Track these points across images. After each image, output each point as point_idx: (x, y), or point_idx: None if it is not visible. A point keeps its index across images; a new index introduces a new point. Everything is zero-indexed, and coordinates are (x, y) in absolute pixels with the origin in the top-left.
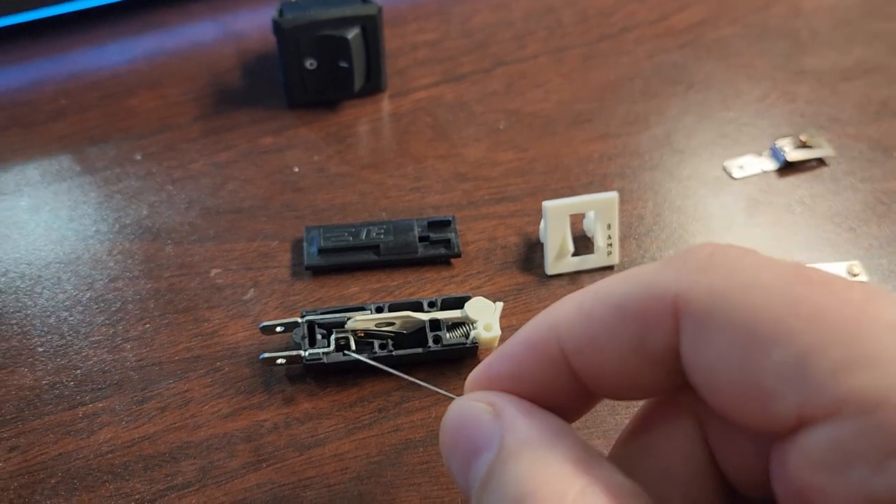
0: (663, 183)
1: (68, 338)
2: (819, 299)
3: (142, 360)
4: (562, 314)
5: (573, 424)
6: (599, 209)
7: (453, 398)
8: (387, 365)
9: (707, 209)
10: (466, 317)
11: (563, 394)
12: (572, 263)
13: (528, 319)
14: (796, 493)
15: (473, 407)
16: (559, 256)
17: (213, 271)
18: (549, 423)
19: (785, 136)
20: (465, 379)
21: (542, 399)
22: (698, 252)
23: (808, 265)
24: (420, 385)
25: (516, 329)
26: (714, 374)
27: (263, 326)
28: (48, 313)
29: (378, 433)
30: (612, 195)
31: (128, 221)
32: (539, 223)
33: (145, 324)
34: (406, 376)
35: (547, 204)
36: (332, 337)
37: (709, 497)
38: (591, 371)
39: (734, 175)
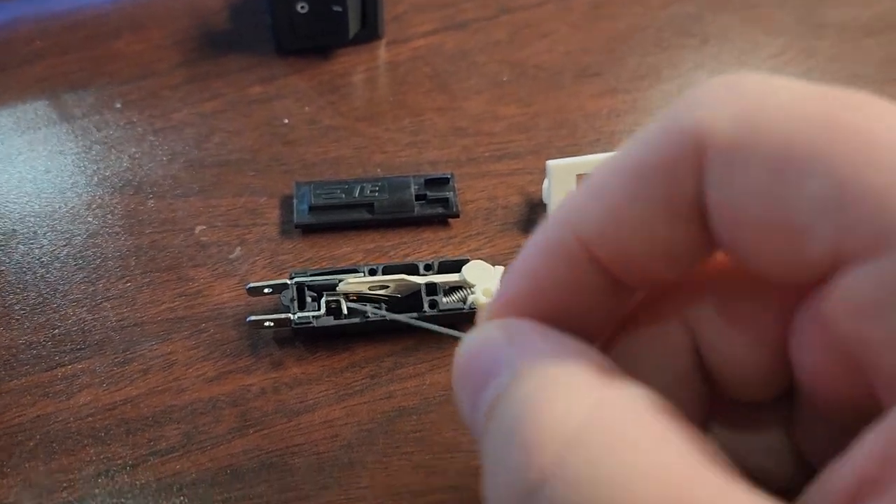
0: None
1: (45, 295)
2: (858, 122)
3: (123, 321)
4: (574, 204)
5: None
6: None
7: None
8: (383, 333)
9: None
10: (464, 281)
11: (591, 299)
12: None
13: None
14: (832, 352)
15: (486, 333)
16: None
17: (198, 228)
18: (568, 343)
19: None
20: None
21: (570, 315)
22: (716, 84)
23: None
24: (431, 329)
25: None
26: (742, 217)
27: (250, 287)
28: (24, 269)
29: (370, 400)
30: None
31: (107, 174)
32: (542, 183)
33: (126, 282)
34: (414, 321)
35: (551, 163)
36: (323, 300)
37: (694, 401)
38: (618, 255)
39: None
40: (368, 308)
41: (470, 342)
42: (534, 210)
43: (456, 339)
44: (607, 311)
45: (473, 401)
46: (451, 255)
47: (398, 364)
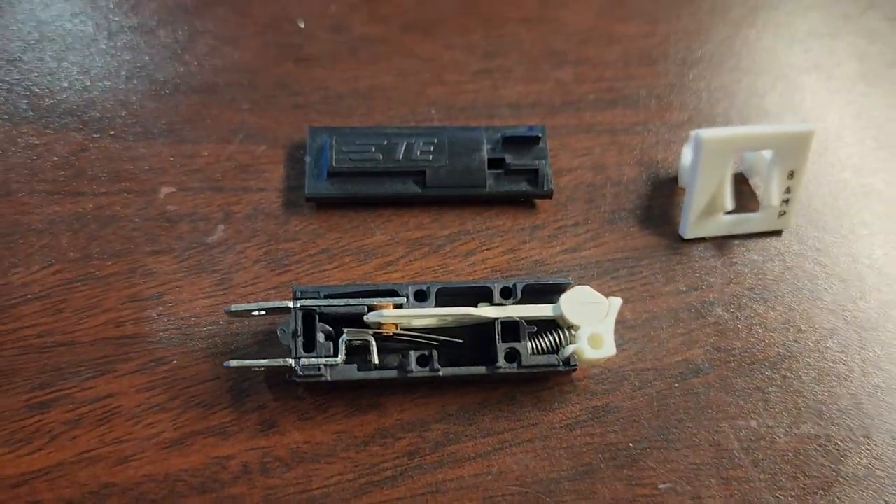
0: (862, 99)
1: None
2: None
3: (43, 336)
4: None
5: None
6: (783, 148)
7: None
8: (430, 387)
9: None
10: (562, 318)
11: None
12: (724, 224)
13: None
14: None
15: None
16: (707, 212)
17: (164, 190)
18: None
19: None
20: (545, 410)
21: None
22: None
23: None
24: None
25: (630, 326)
26: None
27: (232, 311)
28: None
29: (406, 495)
30: (807, 129)
31: (37, 92)
32: (675, 149)
33: (54, 272)
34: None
35: (703, 134)
36: (342, 339)
37: None
38: None
39: None
40: (412, 357)
41: None
42: (660, 191)
43: (538, 399)
44: None
45: None
46: (536, 255)
47: (450, 436)
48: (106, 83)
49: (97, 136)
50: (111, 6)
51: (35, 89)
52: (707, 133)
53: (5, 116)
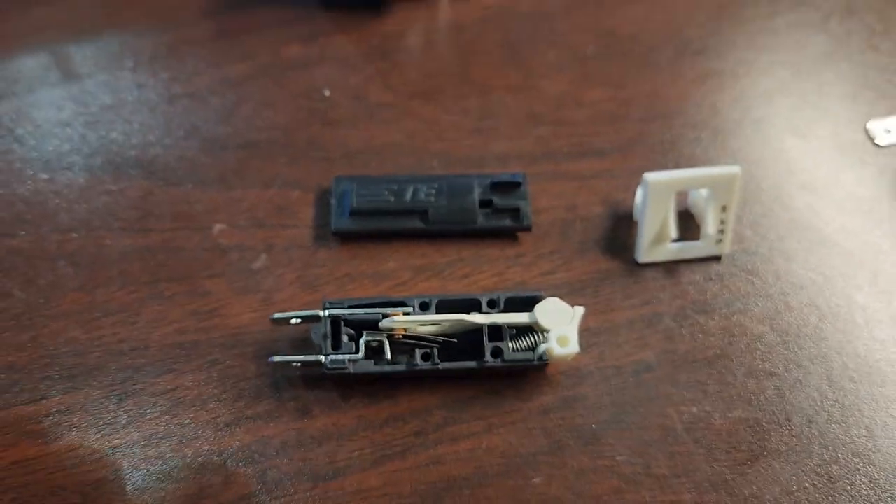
0: (789, 147)
1: (32, 304)
2: None
3: (123, 343)
4: None
5: None
6: (716, 187)
7: None
8: (433, 381)
9: (844, 185)
10: (536, 323)
11: None
12: (671, 251)
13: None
14: None
15: None
16: (657, 241)
17: (217, 227)
18: None
19: None
20: (524, 399)
21: None
22: None
23: None
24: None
25: (594, 333)
26: None
27: (275, 318)
28: (5, 269)
29: (413, 465)
30: (733, 170)
31: (112, 149)
32: (633, 190)
33: (129, 292)
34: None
35: (649, 177)
36: (362, 340)
37: None
38: None
39: (878, 141)
40: (417, 354)
41: None
42: (619, 225)
43: (519, 390)
44: None
45: None
46: (518, 277)
47: (449, 420)
48: (167, 141)
49: (161, 184)
50: (171, 78)
51: (112, 147)
52: (652, 175)
53: (87, 168)
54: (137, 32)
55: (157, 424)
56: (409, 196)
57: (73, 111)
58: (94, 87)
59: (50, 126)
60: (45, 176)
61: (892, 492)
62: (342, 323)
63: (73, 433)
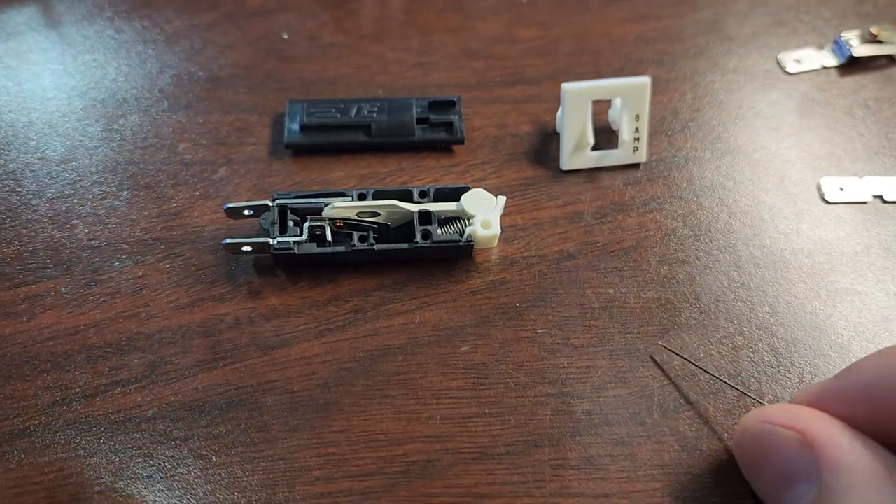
0: (706, 74)
1: (15, 209)
2: None
3: (94, 240)
4: None
5: None
6: (627, 96)
7: (762, 403)
8: (367, 260)
9: (754, 106)
10: (462, 210)
11: None
12: (591, 158)
13: (536, 219)
14: None
15: (779, 435)
16: (577, 149)
17: (182, 145)
18: (875, 460)
19: (852, 28)
20: (454, 282)
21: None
22: None
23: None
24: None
25: (520, 228)
26: None
27: (229, 208)
28: None
29: (352, 337)
30: (644, 80)
31: (91, 85)
32: (557, 112)
33: (101, 199)
34: (715, 375)
35: (566, 86)
36: (306, 225)
37: None
38: None
39: (788, 69)
40: (355, 236)
41: (758, 435)
42: (546, 140)
43: (450, 275)
44: None
45: (774, 490)
46: (452, 183)
47: (385, 299)
48: (140, 76)
49: (134, 111)
50: (145, 26)
51: (90, 83)
52: (570, 85)
53: (68, 98)
54: None
55: (122, 305)
56: (353, 113)
57: (59, 52)
58: (76, 33)
59: (35, 64)
60: (28, 105)
61: (793, 358)
62: (289, 211)
63: (48, 313)
